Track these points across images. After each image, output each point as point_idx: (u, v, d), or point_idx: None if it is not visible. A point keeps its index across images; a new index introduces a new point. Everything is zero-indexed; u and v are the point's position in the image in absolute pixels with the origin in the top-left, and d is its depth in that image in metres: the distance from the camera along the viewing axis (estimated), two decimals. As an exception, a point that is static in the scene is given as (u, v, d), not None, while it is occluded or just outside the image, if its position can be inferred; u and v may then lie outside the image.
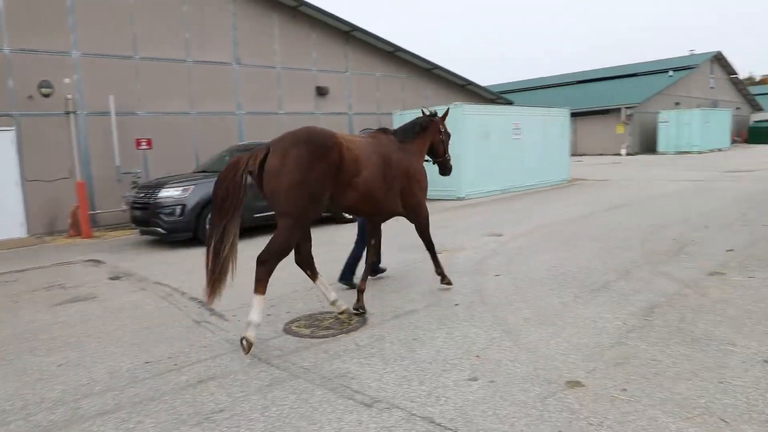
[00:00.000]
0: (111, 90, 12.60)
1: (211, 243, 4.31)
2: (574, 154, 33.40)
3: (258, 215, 10.41)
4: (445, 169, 6.26)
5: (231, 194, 4.31)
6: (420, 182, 5.52)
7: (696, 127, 33.61)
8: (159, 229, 9.53)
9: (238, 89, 14.80)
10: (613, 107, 35.69)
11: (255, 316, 4.44)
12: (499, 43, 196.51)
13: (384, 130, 5.56)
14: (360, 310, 5.22)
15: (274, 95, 15.56)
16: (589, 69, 50.06)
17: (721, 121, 36.23)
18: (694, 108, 35.62)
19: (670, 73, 39.57)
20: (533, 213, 11.56)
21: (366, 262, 5.54)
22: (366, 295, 5.87)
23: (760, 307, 4.88)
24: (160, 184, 9.88)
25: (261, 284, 4.48)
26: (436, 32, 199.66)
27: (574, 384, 3.58)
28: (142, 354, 4.57)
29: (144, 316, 5.65)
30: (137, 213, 9.91)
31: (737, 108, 45.25)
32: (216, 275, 4.31)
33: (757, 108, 49.64)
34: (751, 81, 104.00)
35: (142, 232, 10.19)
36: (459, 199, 14.87)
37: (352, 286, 6.28)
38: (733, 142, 41.00)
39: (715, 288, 5.54)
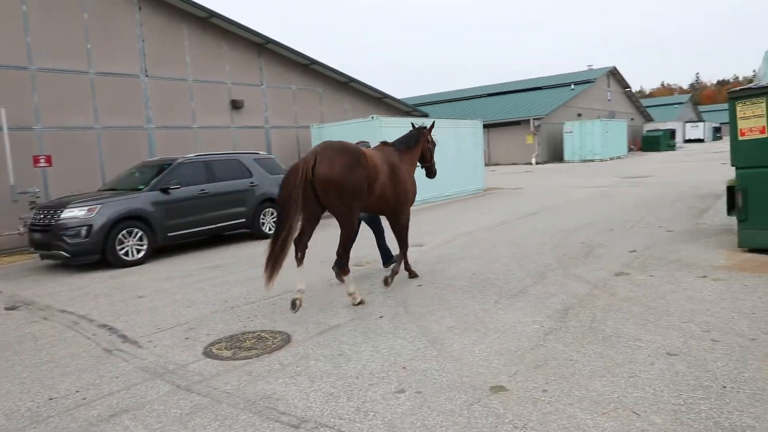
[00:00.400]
0: (3, 103, 11.65)
1: (280, 235, 5.14)
2: (488, 164, 34.72)
3: (172, 234, 10.00)
4: (431, 173, 7.22)
5: (293, 196, 5.18)
6: (411, 188, 6.48)
7: (597, 136, 35.99)
8: (62, 253, 8.92)
9: (147, 102, 14.15)
10: (522, 119, 37.48)
11: (351, 287, 5.80)
12: (414, 56, 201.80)
13: (385, 143, 6.56)
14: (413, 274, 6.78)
15: (186, 108, 15.01)
16: (499, 82, 52.40)
17: (618, 131, 39.01)
18: (594, 119, 38.15)
19: (572, 86, 42.25)
20: (452, 222, 11.82)
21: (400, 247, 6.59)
22: (290, 311, 5.77)
23: (661, 303, 5.25)
24: (62, 204, 9.26)
25: (345, 268, 5.73)
26: (352, 45, 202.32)
27: (498, 389, 3.67)
28: (45, 390, 4.21)
29: (47, 348, 5.23)
30: (37, 236, 9.25)
31: (631, 119, 48.96)
32: (278, 262, 5.13)
33: (648, 118, 53.98)
34: (642, 94, 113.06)
35: (43, 257, 9.48)
36: (380, 210, 14.93)
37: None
38: (630, 150, 44.26)
39: (621, 287, 5.90)
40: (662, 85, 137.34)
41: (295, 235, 5.26)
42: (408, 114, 21.42)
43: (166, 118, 14.50)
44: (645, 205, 12.41)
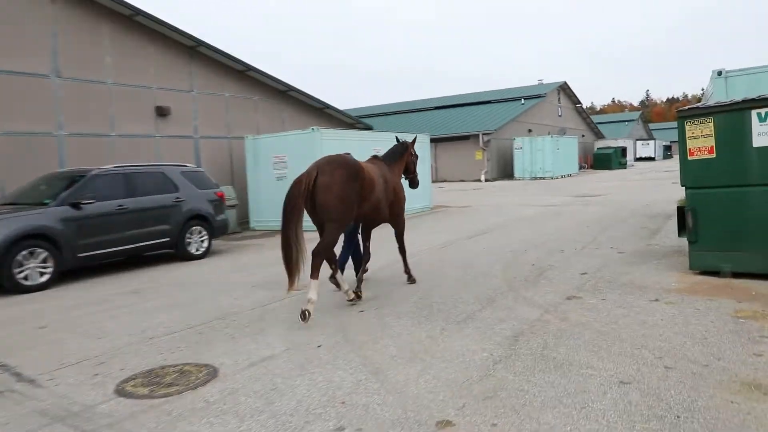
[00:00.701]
0: None
1: (291, 245, 5.98)
2: (435, 181, 35.22)
3: (83, 255, 9.54)
4: (414, 183, 8.41)
5: (298, 205, 6.13)
6: (402, 197, 7.67)
7: (548, 153, 37.27)
8: (-51, 277, 8.35)
9: (58, 106, 13.51)
10: (471, 133, 38.38)
11: (313, 295, 6.15)
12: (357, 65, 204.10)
13: (376, 157, 7.66)
14: (359, 293, 7.07)
15: (104, 114, 14.44)
16: (447, 95, 53.57)
17: (569, 148, 40.55)
18: (545, 135, 39.53)
19: (522, 101, 43.73)
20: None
21: (363, 260, 7.49)
22: (218, 341, 5.61)
23: (613, 329, 5.39)
24: (-49, 221, 8.65)
25: (315, 272, 6.19)
26: (297, 53, 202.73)
27: (445, 423, 3.63)
28: None
29: (-76, 388, 4.81)
30: None
31: (582, 135, 51.05)
32: (295, 266, 5.98)
33: (599, 135, 56.42)
34: (593, 110, 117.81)
35: (-76, 282, 8.80)
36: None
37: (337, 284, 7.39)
38: (581, 167, 46.02)
39: (573, 312, 6.04)
40: (613, 101, 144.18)
41: (302, 236, 6.12)
42: (351, 126, 21.49)
43: (80, 125, 13.88)
44: (596, 225, 12.87)
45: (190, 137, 16.41)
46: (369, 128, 22.33)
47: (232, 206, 15.06)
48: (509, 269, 8.46)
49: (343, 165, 6.46)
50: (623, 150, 49.88)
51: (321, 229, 6.50)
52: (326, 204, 6.27)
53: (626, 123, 71.41)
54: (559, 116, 47.63)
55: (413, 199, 18.02)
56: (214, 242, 12.31)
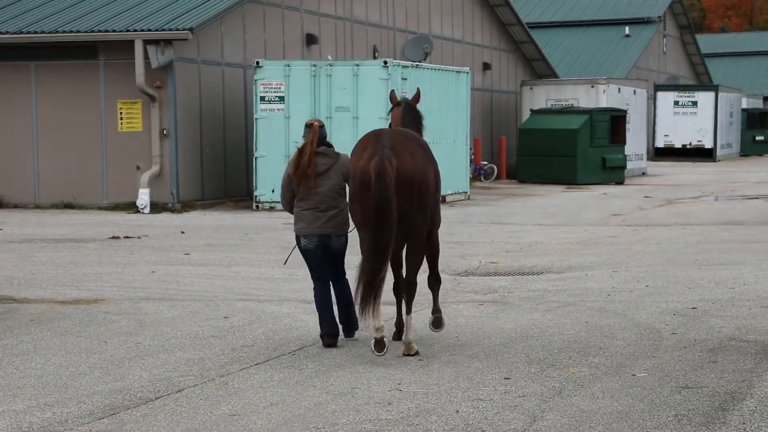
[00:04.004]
0: None
1: (379, 262, 9.73)
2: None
3: None
4: None
5: (392, 209, 9.69)
6: (439, 198, 11.97)
7: (368, 119, 28.91)
8: None
9: None
10: (102, 37, 31.04)
11: (411, 334, 10.62)
12: None
13: (405, 126, 11.79)
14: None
15: None
16: None
17: (444, 103, 33.73)
18: (364, 57, 35.16)
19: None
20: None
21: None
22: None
23: None
24: None
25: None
26: None
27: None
28: None
29: None
30: None
31: (486, 66, 46.82)
32: (379, 295, 9.83)
33: (540, 71, 51.61)
34: None
35: None
36: None
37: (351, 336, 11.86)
38: (479, 173, 41.77)
39: None
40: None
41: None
42: None
43: None
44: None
45: None
46: None
47: None
48: None
49: (417, 142, 10.40)
50: (616, 119, 45.40)
51: (382, 239, 9.83)
52: (413, 203, 9.88)
53: (626, 31, 68.15)
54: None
55: None
56: None
